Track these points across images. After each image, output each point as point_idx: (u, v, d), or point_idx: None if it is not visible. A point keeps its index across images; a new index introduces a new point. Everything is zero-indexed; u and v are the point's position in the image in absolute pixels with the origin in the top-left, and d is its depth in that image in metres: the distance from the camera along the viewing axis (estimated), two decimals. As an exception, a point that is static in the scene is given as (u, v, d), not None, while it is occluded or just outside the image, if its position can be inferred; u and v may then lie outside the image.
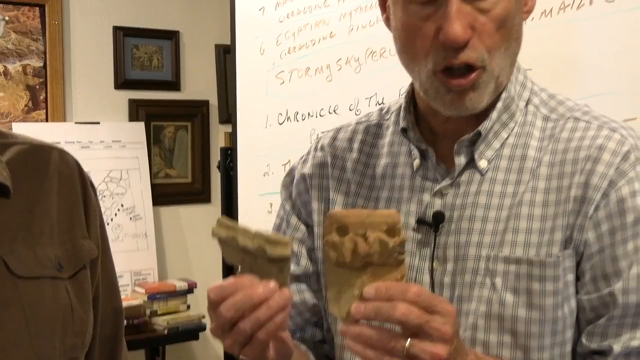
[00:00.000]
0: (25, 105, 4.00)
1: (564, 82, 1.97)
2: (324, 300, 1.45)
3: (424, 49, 1.24)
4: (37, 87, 4.03)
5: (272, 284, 1.14)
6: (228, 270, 3.22)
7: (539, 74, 2.00)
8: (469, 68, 1.23)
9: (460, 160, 1.32)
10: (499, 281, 1.25)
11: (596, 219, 1.22)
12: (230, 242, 1.18)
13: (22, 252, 1.35)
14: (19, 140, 1.47)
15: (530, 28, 2.05)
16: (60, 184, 1.47)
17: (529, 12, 1.33)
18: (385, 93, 2.51)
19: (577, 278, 1.25)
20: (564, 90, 1.41)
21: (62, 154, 1.52)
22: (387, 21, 1.35)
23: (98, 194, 1.59)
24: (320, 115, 2.76)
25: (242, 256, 1.18)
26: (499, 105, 1.31)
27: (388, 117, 1.47)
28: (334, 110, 2.71)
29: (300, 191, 1.50)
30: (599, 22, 1.94)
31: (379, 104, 2.51)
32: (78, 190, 1.49)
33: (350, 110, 2.64)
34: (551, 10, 2.03)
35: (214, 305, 1.16)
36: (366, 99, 2.58)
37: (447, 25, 1.20)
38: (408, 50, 1.29)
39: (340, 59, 2.69)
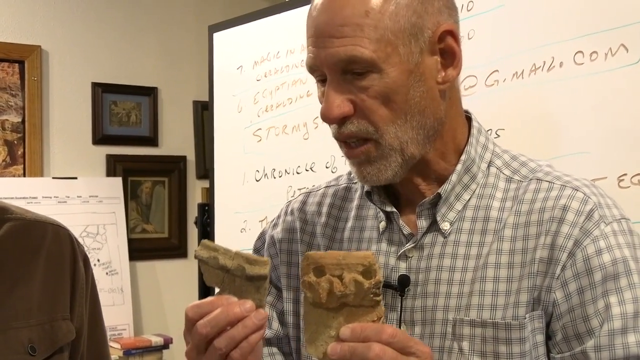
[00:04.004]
0: (3, 161, 4.00)
1: (535, 142, 2.00)
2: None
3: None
4: (15, 142, 4.03)
5: (249, 303, 1.15)
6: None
7: (511, 134, 2.05)
8: (361, 140, 1.27)
9: (422, 223, 1.33)
10: (466, 345, 1.26)
11: (563, 279, 1.23)
12: (210, 262, 1.19)
13: None
14: (13, 216, 1.45)
15: (503, 89, 2.11)
16: (49, 263, 1.44)
17: (446, 82, 1.29)
18: (361, 151, 2.53)
19: (549, 337, 1.26)
20: (535, 150, 1.44)
21: (57, 231, 1.49)
22: None
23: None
24: (297, 173, 2.78)
25: (221, 276, 1.19)
26: (459, 167, 1.33)
27: (356, 180, 1.48)
28: (311, 168, 2.73)
29: (270, 255, 1.51)
30: (569, 84, 1.98)
31: (355, 162, 2.53)
32: (67, 269, 1.46)
33: (326, 167, 2.66)
34: (522, 72, 2.07)
35: (191, 323, 1.17)
36: (342, 156, 2.59)
37: (322, 105, 1.26)
38: None
39: (316, 117, 2.70)
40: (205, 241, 1.22)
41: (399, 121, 1.25)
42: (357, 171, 1.30)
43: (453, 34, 1.28)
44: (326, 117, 1.25)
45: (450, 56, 1.29)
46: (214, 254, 1.19)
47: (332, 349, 1.15)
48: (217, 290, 1.22)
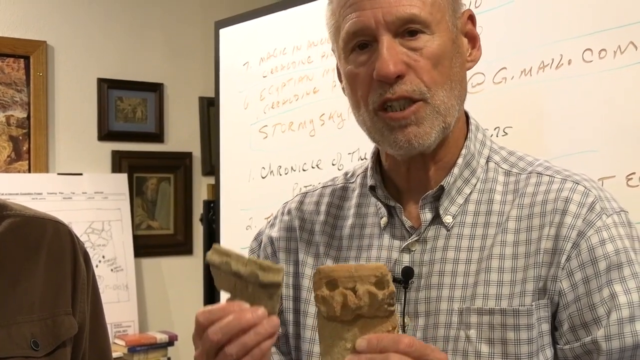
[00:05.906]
0: (8, 156, 3.99)
1: (543, 140, 1.99)
2: None
3: (364, 93, 1.30)
4: (21, 138, 4.02)
5: (261, 310, 1.14)
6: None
7: (518, 132, 2.04)
8: (410, 102, 1.28)
9: (426, 215, 1.35)
10: (473, 333, 1.27)
11: (569, 269, 1.26)
12: (222, 268, 1.19)
13: None
14: (12, 212, 1.44)
15: (511, 87, 2.10)
16: (49, 259, 1.44)
17: (474, 61, 1.38)
18: (367, 148, 2.50)
19: (555, 328, 1.28)
20: (543, 148, 1.44)
21: (57, 227, 1.49)
22: (344, 90, 1.40)
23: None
24: (303, 170, 2.78)
25: (233, 282, 1.18)
26: (460, 161, 1.36)
27: (353, 180, 1.50)
28: (317, 165, 2.72)
29: (267, 254, 1.51)
30: (577, 82, 1.97)
31: (362, 159, 2.53)
32: (68, 265, 1.47)
33: (333, 164, 2.65)
34: (530, 70, 2.06)
35: (201, 328, 1.16)
36: (349, 153, 2.60)
37: (378, 63, 1.26)
38: (353, 99, 1.34)
39: (323, 114, 2.71)
40: (217, 246, 1.21)
41: (446, 86, 1.29)
42: (402, 135, 1.29)
43: (473, 19, 1.38)
44: (385, 74, 1.26)
45: (471, 39, 1.37)
46: (227, 259, 1.18)
47: None
48: (222, 294, 1.21)
